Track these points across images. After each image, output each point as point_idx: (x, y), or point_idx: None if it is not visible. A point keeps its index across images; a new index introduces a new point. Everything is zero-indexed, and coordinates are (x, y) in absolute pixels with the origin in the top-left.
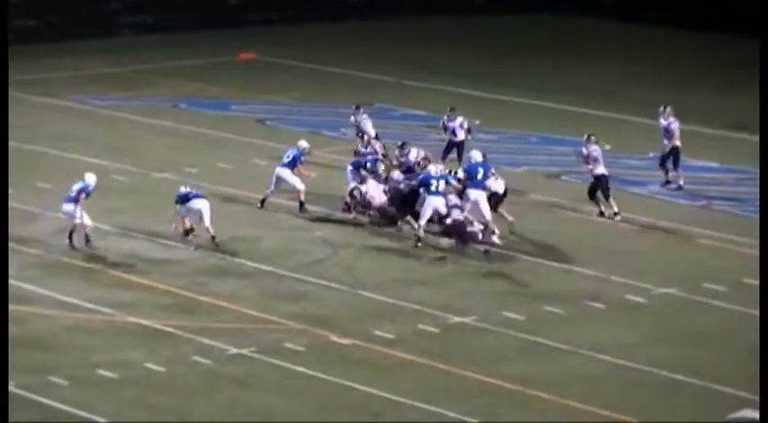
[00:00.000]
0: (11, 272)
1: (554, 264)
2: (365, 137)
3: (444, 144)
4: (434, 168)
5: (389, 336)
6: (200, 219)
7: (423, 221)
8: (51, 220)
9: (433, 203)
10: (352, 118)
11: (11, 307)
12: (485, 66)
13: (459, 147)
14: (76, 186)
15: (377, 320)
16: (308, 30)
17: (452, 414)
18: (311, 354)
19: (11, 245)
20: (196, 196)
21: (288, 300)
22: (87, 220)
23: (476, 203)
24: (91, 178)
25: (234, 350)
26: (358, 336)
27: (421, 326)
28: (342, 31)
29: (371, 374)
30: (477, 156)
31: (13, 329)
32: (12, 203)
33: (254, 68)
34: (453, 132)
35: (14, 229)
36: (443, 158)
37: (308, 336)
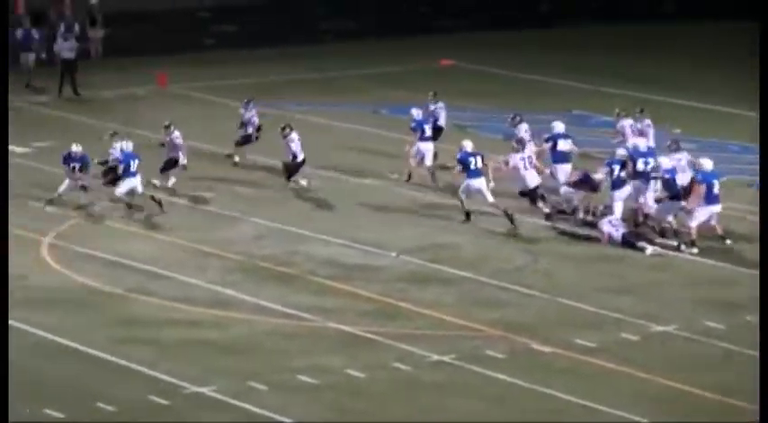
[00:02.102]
0: (212, 277)
1: (756, 272)
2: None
3: None
4: (470, 145)
5: (591, 344)
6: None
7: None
8: (252, 224)
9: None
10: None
11: (212, 312)
12: (681, 73)
13: None
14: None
15: (578, 328)
16: (503, 36)
17: None
18: (511, 361)
19: (213, 250)
20: (131, 175)
21: (488, 307)
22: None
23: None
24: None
25: (434, 357)
26: (559, 344)
27: (623, 334)
28: (533, 39)
29: (572, 382)
30: (707, 165)
31: (213, 334)
32: (214, 209)
33: (452, 74)
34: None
35: (216, 233)
36: None
37: (508, 343)
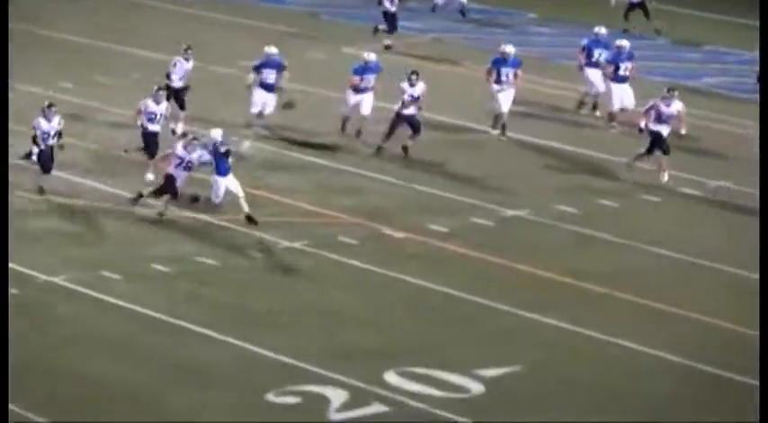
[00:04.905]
0: (68, 167)
1: (611, 158)
2: None
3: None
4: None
5: (443, 229)
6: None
7: None
8: (110, 114)
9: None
10: None
11: (65, 202)
12: None
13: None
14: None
15: (431, 214)
16: None
17: (504, 307)
18: (364, 247)
19: (71, 140)
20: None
21: (344, 194)
22: None
23: None
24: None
25: (286, 243)
26: (412, 229)
27: (475, 219)
28: None
29: (425, 268)
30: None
31: (65, 225)
32: (73, 99)
33: None
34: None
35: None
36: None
37: (362, 229)
